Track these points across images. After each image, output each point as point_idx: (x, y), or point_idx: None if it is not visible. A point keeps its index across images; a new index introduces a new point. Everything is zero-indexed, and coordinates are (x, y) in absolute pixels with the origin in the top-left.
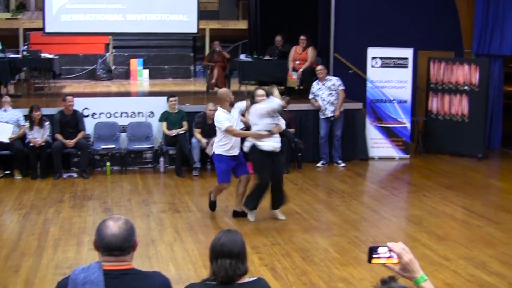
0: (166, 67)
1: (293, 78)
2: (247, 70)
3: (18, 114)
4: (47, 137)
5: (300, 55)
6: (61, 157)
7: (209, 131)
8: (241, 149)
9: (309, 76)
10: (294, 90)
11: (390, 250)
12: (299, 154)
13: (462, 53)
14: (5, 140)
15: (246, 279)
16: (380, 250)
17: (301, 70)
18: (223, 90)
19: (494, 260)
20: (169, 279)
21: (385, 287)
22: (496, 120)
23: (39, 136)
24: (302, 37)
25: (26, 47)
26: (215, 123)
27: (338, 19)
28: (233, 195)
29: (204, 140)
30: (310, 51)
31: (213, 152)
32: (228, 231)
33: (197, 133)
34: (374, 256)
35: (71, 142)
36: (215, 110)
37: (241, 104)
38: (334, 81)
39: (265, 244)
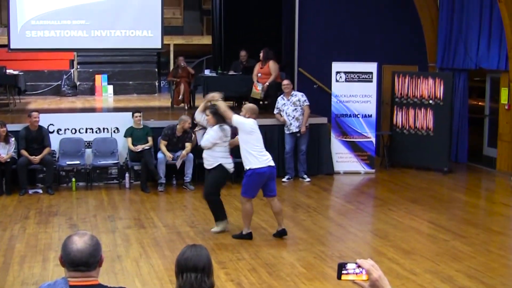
0: (130, 82)
1: (258, 89)
2: (211, 85)
3: None
4: (13, 153)
5: (262, 69)
6: (26, 173)
7: (177, 143)
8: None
9: (273, 91)
10: (258, 105)
11: (359, 266)
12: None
13: (427, 67)
14: None
15: None
16: (349, 266)
17: (266, 84)
18: (253, 105)
19: (460, 274)
20: None
21: None
22: (462, 134)
23: (4, 152)
24: (261, 52)
25: None
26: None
27: (302, 34)
28: (198, 210)
29: (168, 154)
30: (272, 64)
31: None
32: (193, 245)
33: (162, 144)
34: (343, 272)
35: (36, 158)
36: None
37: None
38: (299, 97)
39: (231, 259)
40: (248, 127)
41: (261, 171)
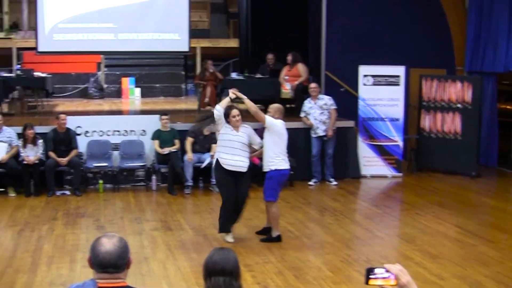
0: (157, 85)
1: (287, 88)
2: (238, 88)
3: (11, 132)
4: (41, 155)
5: (290, 71)
6: (54, 175)
7: (204, 143)
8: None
9: (301, 94)
10: (285, 108)
11: (387, 271)
12: (291, 172)
13: (455, 70)
14: None
15: None
16: (377, 271)
17: (296, 83)
18: (279, 105)
19: (489, 279)
20: None
21: None
22: (491, 138)
23: (32, 154)
24: (288, 55)
25: (19, 66)
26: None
27: (329, 37)
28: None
29: (190, 154)
30: (301, 67)
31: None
32: (221, 248)
33: (188, 142)
34: (371, 277)
35: (64, 160)
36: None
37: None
38: (326, 100)
39: (257, 262)
40: (280, 129)
41: (286, 172)
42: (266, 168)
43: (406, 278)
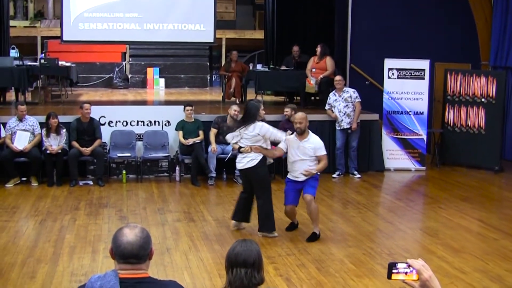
0: (182, 76)
1: (311, 83)
2: (263, 80)
3: (34, 121)
4: (64, 145)
5: (318, 64)
6: (77, 165)
7: (227, 133)
8: None
9: (326, 87)
10: (310, 100)
11: (409, 266)
12: None
13: (479, 65)
14: (21, 148)
15: None
16: (399, 266)
17: (320, 76)
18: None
19: (510, 273)
20: None
21: None
22: None
23: (55, 143)
24: (318, 47)
25: (43, 55)
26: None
27: (354, 30)
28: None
29: (214, 146)
30: (329, 60)
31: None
32: (243, 240)
33: (212, 133)
34: (393, 271)
35: (87, 150)
36: (240, 112)
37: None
38: (350, 93)
39: (280, 255)
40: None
41: None
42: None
43: (428, 273)
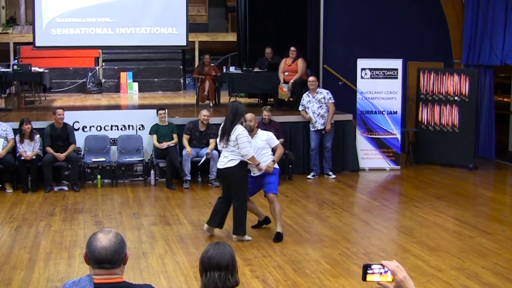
0: (155, 80)
1: (284, 90)
2: (236, 82)
3: (7, 127)
4: (38, 151)
5: (290, 67)
6: (51, 171)
7: (201, 139)
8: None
9: (299, 88)
10: (284, 101)
11: (384, 267)
12: (290, 166)
13: (452, 63)
14: None
15: None
16: (374, 267)
17: (291, 81)
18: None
19: (486, 271)
20: None
21: None
22: (489, 131)
23: (29, 149)
24: (292, 48)
25: (16, 61)
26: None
27: (327, 31)
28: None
29: (188, 149)
30: (300, 63)
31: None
32: (216, 243)
33: (185, 139)
34: (368, 272)
35: (61, 155)
36: (209, 116)
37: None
38: (324, 94)
39: (256, 256)
40: (267, 133)
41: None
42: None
43: (403, 274)
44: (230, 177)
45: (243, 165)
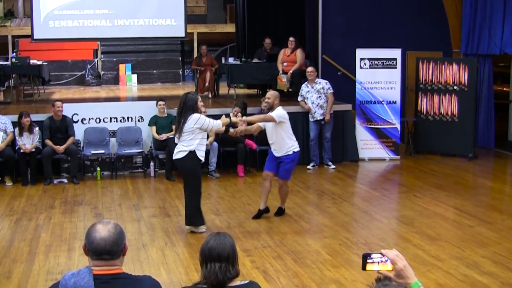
0: (154, 71)
1: (283, 81)
2: (235, 73)
3: (6, 120)
4: (37, 143)
5: (289, 57)
6: (51, 163)
7: None
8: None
9: (298, 78)
10: (283, 92)
11: (383, 256)
12: None
13: (451, 53)
14: None
15: (237, 282)
16: (374, 256)
17: (290, 72)
18: (275, 92)
19: (486, 260)
20: (160, 283)
21: (380, 284)
22: (488, 120)
23: (28, 142)
24: (291, 39)
25: (15, 54)
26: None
27: (325, 21)
28: (223, 198)
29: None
30: (299, 53)
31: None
32: (217, 234)
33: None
34: (368, 262)
35: (61, 148)
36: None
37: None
38: (323, 84)
39: (256, 247)
40: (285, 115)
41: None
42: (289, 152)
43: (403, 263)
44: (180, 168)
45: (192, 155)
